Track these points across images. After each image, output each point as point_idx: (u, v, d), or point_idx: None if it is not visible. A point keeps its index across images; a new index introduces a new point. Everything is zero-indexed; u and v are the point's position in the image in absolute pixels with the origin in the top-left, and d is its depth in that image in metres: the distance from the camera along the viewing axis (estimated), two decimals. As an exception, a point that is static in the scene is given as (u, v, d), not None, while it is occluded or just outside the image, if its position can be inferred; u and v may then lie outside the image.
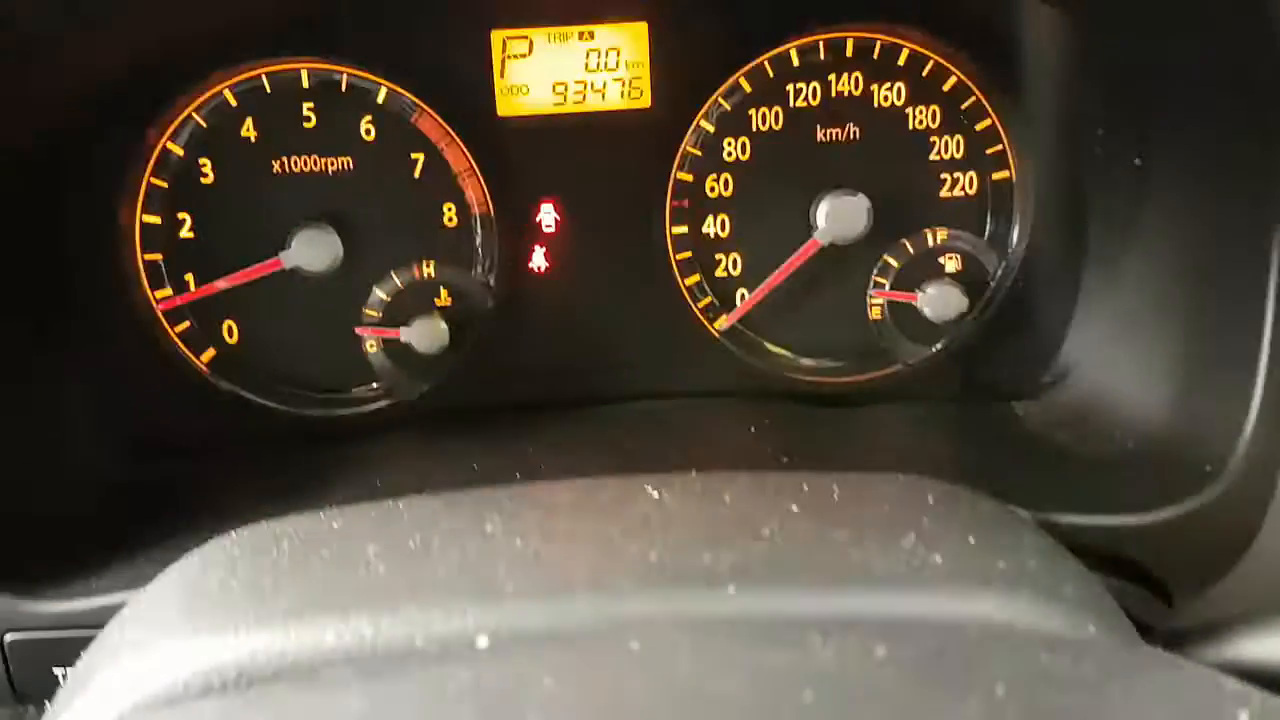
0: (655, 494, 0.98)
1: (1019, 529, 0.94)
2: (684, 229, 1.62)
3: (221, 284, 1.56)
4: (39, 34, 1.15)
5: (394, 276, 1.59)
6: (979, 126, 1.59)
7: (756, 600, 0.76)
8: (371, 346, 1.61)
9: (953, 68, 1.56)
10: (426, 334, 1.58)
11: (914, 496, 0.97)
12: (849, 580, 0.78)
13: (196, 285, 1.58)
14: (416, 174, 1.58)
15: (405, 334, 1.58)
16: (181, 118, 1.51)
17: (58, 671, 1.22)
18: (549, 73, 1.56)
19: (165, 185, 1.54)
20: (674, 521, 0.91)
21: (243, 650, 0.76)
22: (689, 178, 1.60)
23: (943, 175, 1.61)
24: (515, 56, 1.55)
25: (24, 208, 1.40)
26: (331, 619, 0.78)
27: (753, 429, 1.52)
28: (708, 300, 1.65)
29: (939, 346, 1.65)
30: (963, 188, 1.62)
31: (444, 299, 1.61)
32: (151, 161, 1.52)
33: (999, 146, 1.59)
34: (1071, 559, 0.93)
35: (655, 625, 0.74)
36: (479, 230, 1.61)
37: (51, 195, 1.45)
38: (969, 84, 1.57)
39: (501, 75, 1.55)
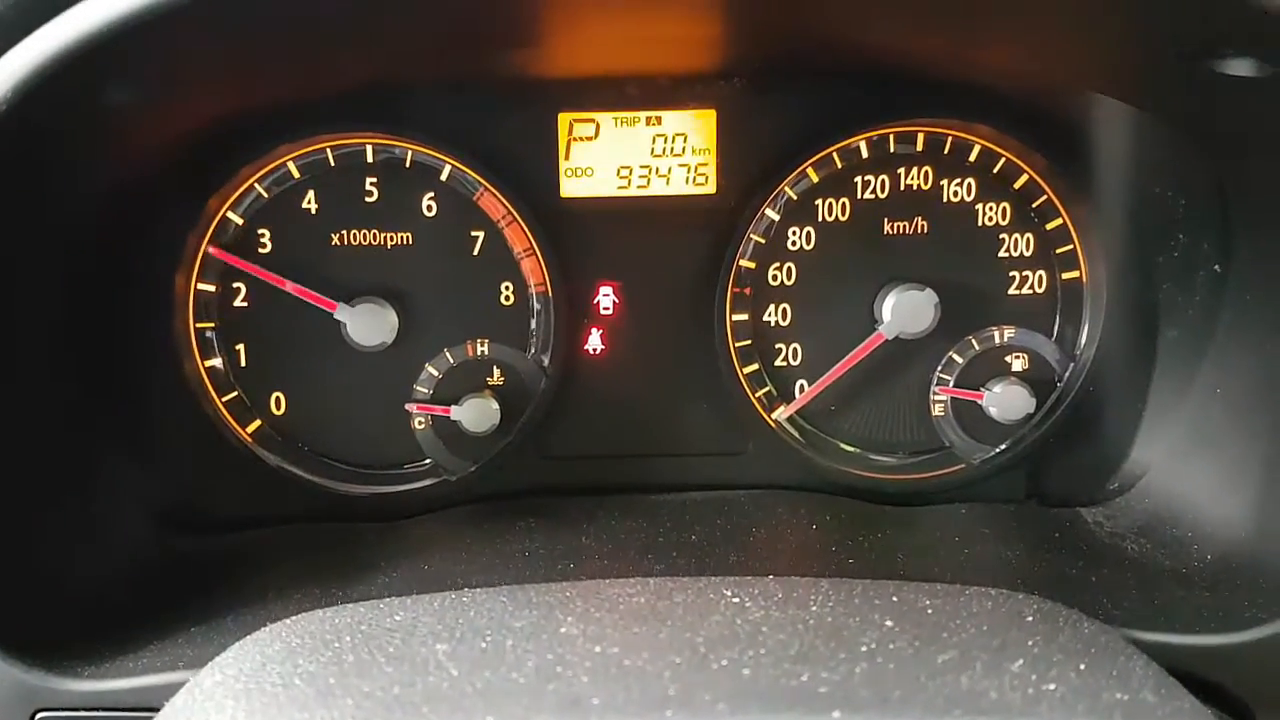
0: (736, 599, 0.94)
1: (1126, 654, 0.88)
2: (744, 316, 1.59)
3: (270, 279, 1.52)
4: (116, 105, 1.14)
5: (447, 354, 1.57)
6: (1050, 225, 1.56)
7: (864, 727, 0.71)
8: (420, 424, 1.57)
9: (1024, 165, 1.54)
10: (477, 413, 1.54)
11: (1010, 613, 0.92)
12: (963, 709, 0.73)
13: (247, 354, 1.55)
14: (475, 252, 1.56)
15: (456, 412, 1.55)
16: (244, 187, 1.50)
17: (88, 753, 1.17)
18: (614, 156, 1.54)
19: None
20: (761, 632, 0.86)
21: (312, 759, 0.72)
22: (751, 265, 1.58)
23: (1011, 273, 1.58)
24: (581, 139, 1.54)
25: (81, 271, 1.38)
26: (407, 728, 0.73)
27: (814, 527, 1.46)
28: (766, 390, 1.62)
29: (1004, 447, 1.60)
30: (1031, 286, 1.59)
31: (496, 378, 1.58)
32: (211, 229, 1.51)
33: (1069, 246, 1.56)
34: (1182, 688, 0.88)
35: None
36: (535, 310, 1.58)
37: (109, 260, 1.43)
38: (1040, 182, 1.55)
39: (566, 157, 1.54)
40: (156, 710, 0.93)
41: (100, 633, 1.23)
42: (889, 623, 0.87)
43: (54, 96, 0.99)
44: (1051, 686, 0.77)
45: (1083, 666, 0.82)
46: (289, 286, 1.51)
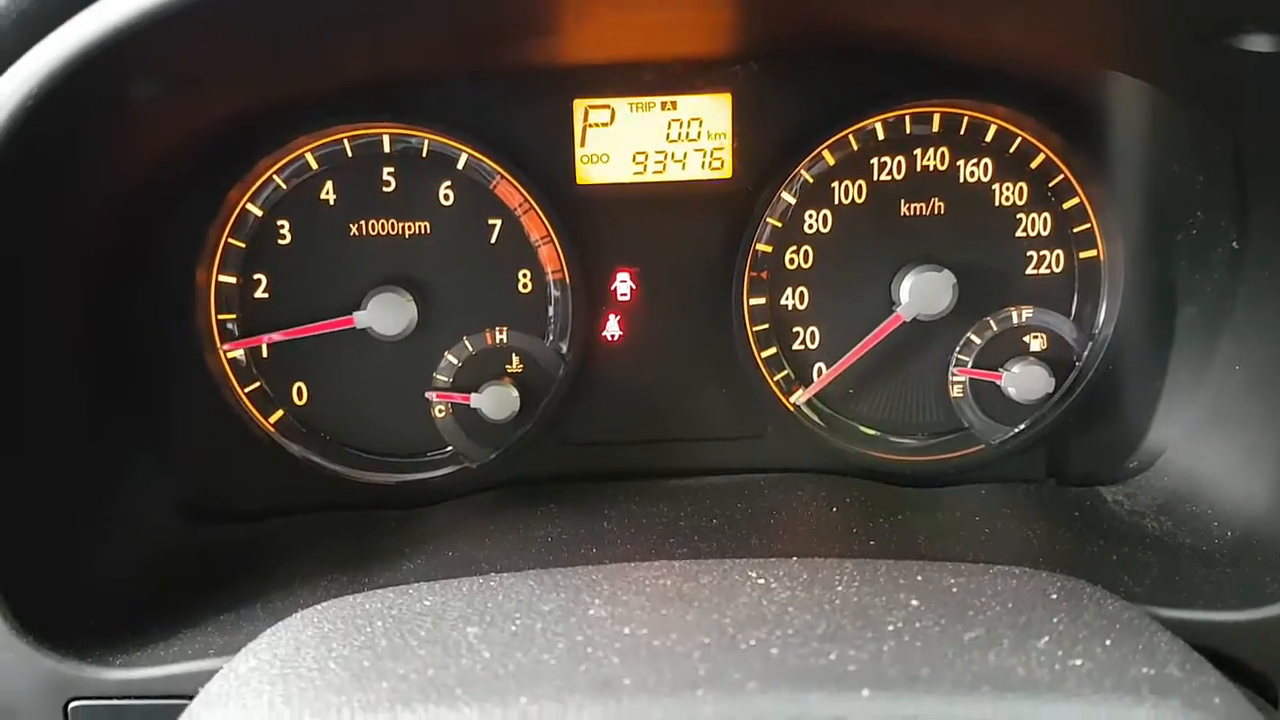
0: (761, 580, 0.94)
1: (1151, 630, 0.89)
2: (762, 300, 1.59)
3: (288, 336, 1.54)
4: (137, 101, 1.15)
5: (466, 342, 1.57)
6: (1067, 204, 1.56)
7: (893, 705, 0.72)
8: (441, 412, 1.58)
9: (1041, 144, 1.54)
10: (497, 400, 1.55)
11: (1035, 591, 0.93)
12: (991, 686, 0.73)
13: (269, 347, 1.57)
14: (493, 240, 1.57)
15: (475, 400, 1.56)
16: (263, 179, 1.51)
17: (120, 741, 1.18)
18: (630, 142, 1.55)
19: (243, 245, 1.53)
20: (788, 612, 0.87)
21: (349, 741, 0.73)
22: (768, 249, 1.58)
23: (1029, 252, 1.58)
24: (596, 125, 1.54)
25: (103, 266, 1.40)
26: (441, 709, 0.74)
27: (834, 509, 1.47)
28: (784, 374, 1.62)
29: (1023, 427, 1.61)
30: (1049, 265, 1.58)
31: (515, 365, 1.59)
32: (231, 221, 1.52)
33: (1087, 225, 1.56)
34: (1208, 663, 0.88)
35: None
36: (553, 297, 1.59)
37: (131, 253, 1.44)
38: (1057, 161, 1.54)
39: (582, 144, 1.54)
40: (189, 697, 0.95)
41: (131, 622, 1.24)
42: (915, 601, 0.88)
43: (76, 93, 1.00)
44: (1078, 662, 0.78)
45: (1108, 642, 0.82)
46: (299, 333, 1.53)
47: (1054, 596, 0.92)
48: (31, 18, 0.94)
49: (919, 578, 0.94)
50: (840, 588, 0.92)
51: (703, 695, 0.74)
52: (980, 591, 0.91)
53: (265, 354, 1.57)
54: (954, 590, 0.91)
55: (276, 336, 1.55)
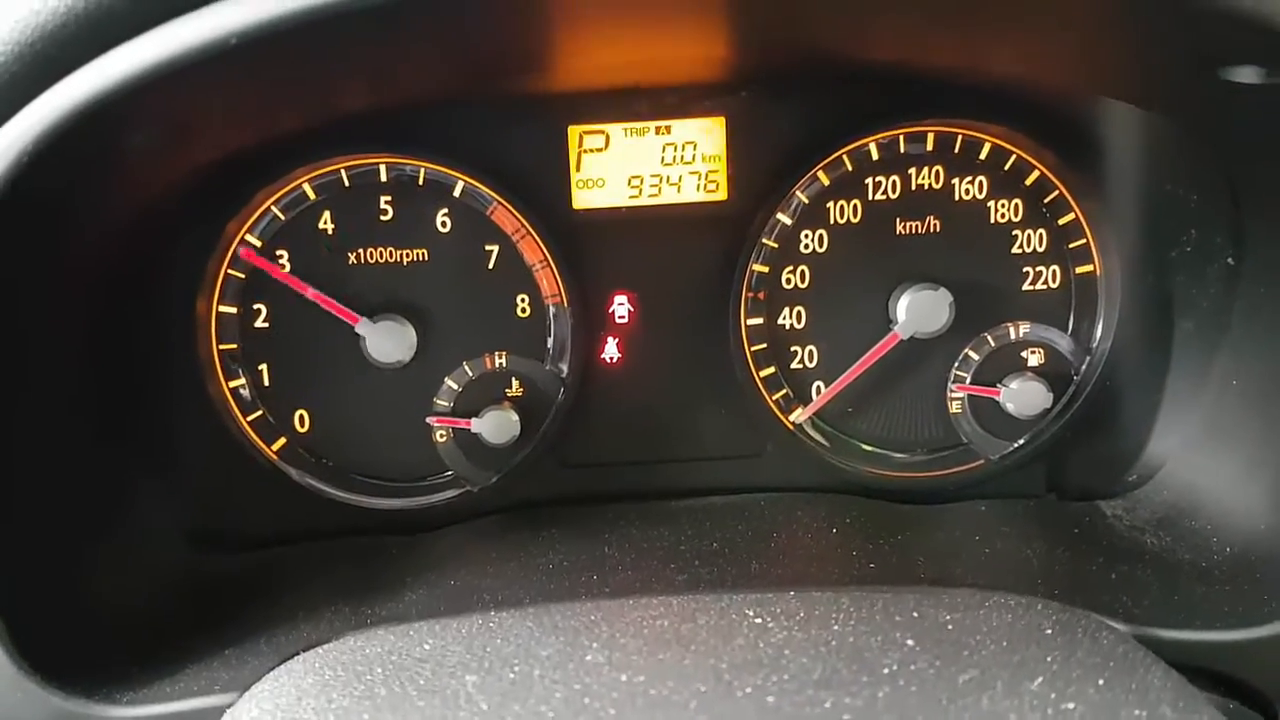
0: (758, 619, 0.95)
1: (1145, 665, 0.90)
2: (759, 320, 1.60)
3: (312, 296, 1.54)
4: (132, 148, 1.15)
5: (466, 367, 1.58)
6: (1062, 220, 1.56)
7: (887, 755, 0.73)
8: (442, 437, 1.59)
9: (1035, 161, 1.54)
10: (497, 425, 1.56)
11: (1030, 626, 0.93)
12: (985, 734, 0.74)
13: (270, 374, 1.57)
14: (491, 265, 1.57)
15: (476, 424, 1.56)
16: (261, 210, 1.52)
17: (126, 780, 1.19)
18: (625, 166, 1.55)
19: (242, 276, 1.54)
20: (784, 655, 0.87)
21: (350, 798, 0.74)
22: (765, 269, 1.59)
23: (1025, 268, 1.59)
24: (591, 150, 1.55)
25: (104, 300, 1.40)
26: (441, 766, 0.75)
27: (834, 530, 1.48)
28: (783, 393, 1.63)
29: (1022, 442, 1.61)
30: (1046, 282, 1.59)
31: (515, 390, 1.60)
32: (230, 253, 1.53)
33: (1083, 240, 1.57)
34: (1201, 698, 0.89)
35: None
36: (552, 321, 1.59)
37: (131, 287, 1.45)
38: (1052, 178, 1.55)
39: (577, 169, 1.55)
40: (195, 734, 0.96)
41: (136, 657, 1.24)
42: (910, 641, 0.88)
43: (71, 146, 1.00)
44: (1070, 705, 0.78)
45: (1101, 682, 0.83)
46: (310, 294, 1.52)
47: (1049, 631, 0.92)
48: (24, 76, 0.94)
49: (914, 614, 0.95)
50: (837, 626, 0.93)
51: (699, 747, 0.74)
52: (975, 628, 0.92)
53: (267, 382, 1.58)
54: (949, 627, 0.92)
55: (291, 283, 1.53)
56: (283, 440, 1.60)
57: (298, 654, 1.06)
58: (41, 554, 1.26)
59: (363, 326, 1.53)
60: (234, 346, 1.56)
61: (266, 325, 1.56)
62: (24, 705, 1.15)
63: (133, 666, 1.23)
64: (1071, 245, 1.57)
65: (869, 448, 1.64)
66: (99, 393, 1.44)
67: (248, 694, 0.95)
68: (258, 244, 1.53)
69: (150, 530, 1.50)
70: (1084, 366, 1.60)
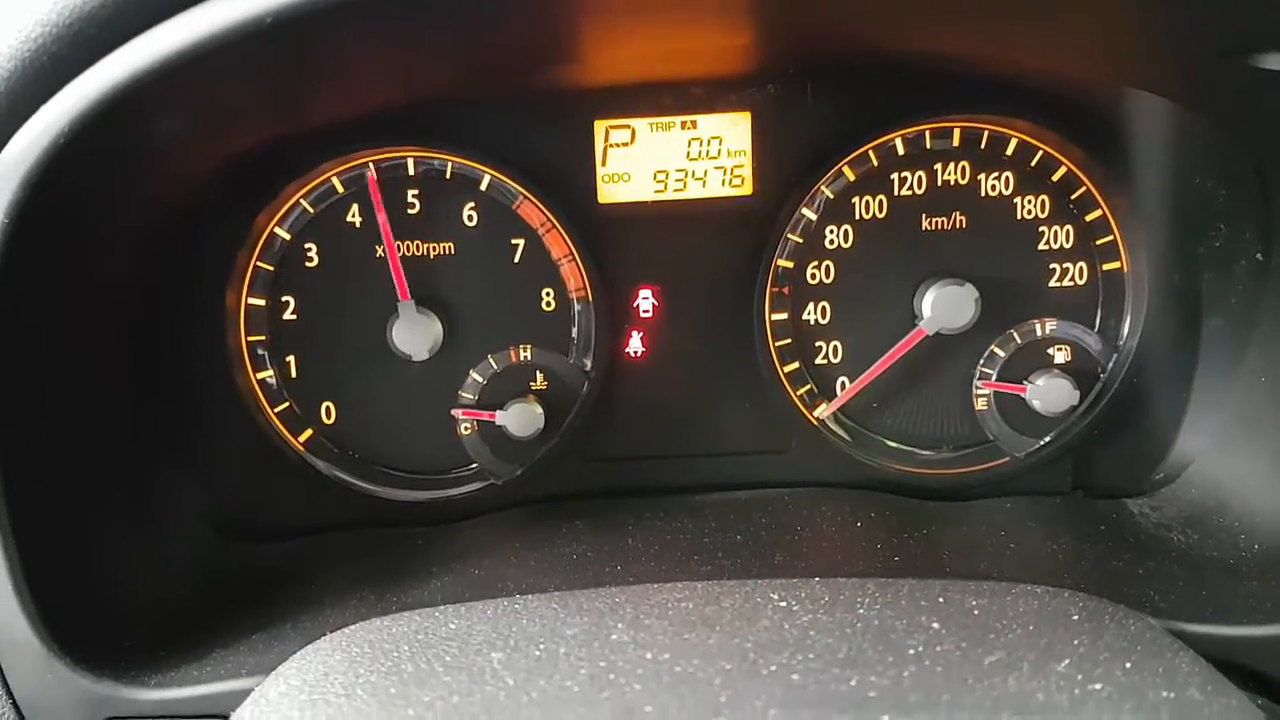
0: (783, 603, 0.95)
1: (1173, 650, 0.89)
2: (783, 315, 1.60)
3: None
4: (164, 137, 1.17)
5: (491, 360, 1.59)
6: (1089, 217, 1.56)
7: (913, 731, 0.73)
8: (466, 429, 1.60)
9: (1063, 157, 1.54)
10: (522, 418, 1.57)
11: (1056, 612, 0.93)
12: (1011, 711, 0.74)
13: (298, 366, 1.59)
14: (516, 259, 1.58)
15: (501, 417, 1.57)
16: (290, 204, 1.53)
17: (156, 760, 1.20)
18: (651, 161, 1.56)
19: (271, 268, 1.55)
20: (810, 635, 0.87)
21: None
22: (789, 264, 1.59)
23: (1052, 265, 1.58)
24: (617, 145, 1.56)
25: (136, 292, 1.42)
26: (467, 737, 0.75)
27: (859, 524, 1.47)
28: (807, 388, 1.63)
29: (1048, 439, 1.60)
30: (1072, 278, 1.58)
31: (540, 383, 1.61)
32: (259, 245, 1.54)
33: (1110, 237, 1.56)
34: (1230, 684, 0.88)
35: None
36: (576, 315, 1.60)
37: (162, 279, 1.47)
38: (1079, 174, 1.54)
39: (603, 163, 1.56)
40: (222, 717, 0.96)
41: (166, 642, 1.26)
42: (936, 625, 0.88)
43: (107, 130, 1.02)
44: (1098, 686, 0.78)
45: (1128, 665, 0.82)
46: (390, 249, 1.53)
47: (1075, 617, 0.92)
48: (62, 59, 0.96)
49: (940, 599, 0.95)
50: (862, 610, 0.92)
51: (724, 722, 0.75)
52: (1002, 613, 0.92)
53: (294, 374, 1.60)
54: (975, 612, 0.92)
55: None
56: (309, 432, 1.61)
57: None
58: (73, 541, 1.28)
59: (405, 310, 1.53)
60: (262, 338, 1.58)
61: (294, 318, 1.58)
62: (55, 686, 1.17)
63: (161, 651, 1.24)
64: (1099, 241, 1.57)
65: (893, 444, 1.64)
66: (130, 383, 1.45)
67: (275, 672, 0.95)
68: (287, 237, 1.55)
69: (179, 519, 1.52)
70: (1111, 364, 1.59)
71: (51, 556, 1.21)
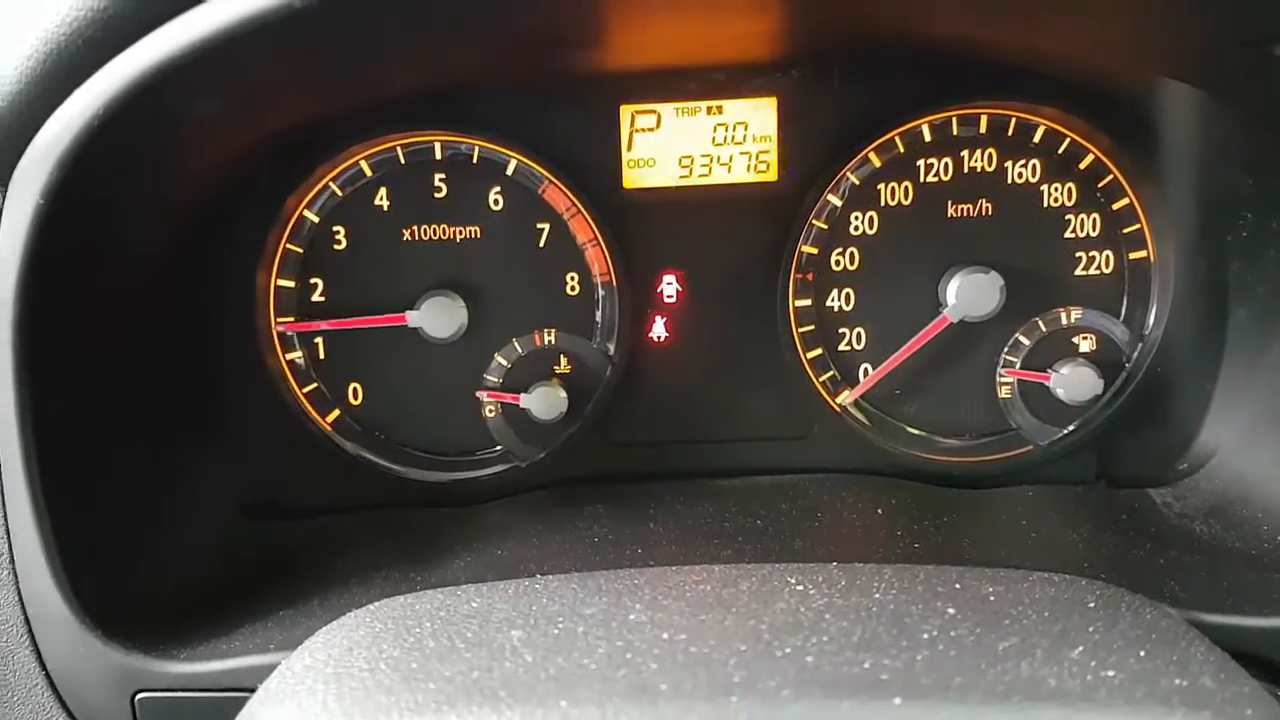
0: (800, 586, 0.96)
1: (1188, 639, 0.89)
2: (807, 302, 1.60)
3: (343, 325, 1.58)
4: (199, 116, 1.19)
5: (515, 344, 1.60)
6: (1116, 205, 1.55)
7: (924, 713, 0.73)
8: (491, 412, 1.62)
9: (1090, 145, 1.53)
10: (545, 401, 1.58)
11: (1073, 599, 0.93)
12: (1023, 696, 0.74)
13: (326, 348, 1.61)
14: (541, 244, 1.60)
15: (525, 400, 1.59)
16: (319, 187, 1.55)
17: (185, 732, 1.23)
18: (676, 146, 1.56)
19: (300, 250, 1.57)
20: (825, 619, 0.88)
21: (397, 740, 0.76)
22: (814, 251, 1.59)
23: (1077, 253, 1.57)
24: (643, 130, 1.56)
25: (166, 273, 1.44)
26: (485, 712, 0.77)
27: (879, 511, 1.48)
28: (830, 374, 1.63)
29: (1072, 428, 1.60)
30: (1098, 266, 1.58)
31: (564, 367, 1.62)
32: (289, 227, 1.56)
33: (1137, 225, 1.55)
34: (1244, 673, 0.88)
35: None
36: (601, 300, 1.61)
37: (193, 259, 1.49)
38: (1106, 162, 1.53)
39: (629, 148, 1.57)
40: (249, 690, 0.98)
41: (195, 617, 1.29)
42: (951, 610, 0.89)
43: (137, 117, 1.04)
44: (1110, 673, 0.78)
45: (1142, 653, 0.83)
46: (353, 324, 1.58)
47: (1091, 605, 0.92)
48: (97, 42, 0.98)
49: (957, 585, 0.95)
50: (878, 594, 0.93)
51: (737, 702, 0.76)
52: (1018, 600, 0.92)
53: (322, 355, 1.62)
54: (991, 598, 0.92)
55: (328, 325, 1.59)
56: (336, 413, 1.64)
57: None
58: (104, 518, 1.31)
59: (412, 319, 1.56)
60: (291, 320, 1.60)
61: (323, 299, 1.60)
62: (86, 660, 1.20)
63: (189, 626, 1.27)
64: (1125, 230, 1.56)
65: (916, 431, 1.64)
66: (160, 364, 1.48)
67: (301, 646, 0.97)
68: (315, 219, 1.56)
69: (208, 498, 1.54)
70: (1136, 353, 1.58)
71: (83, 533, 1.24)
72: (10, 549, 1.20)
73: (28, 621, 1.21)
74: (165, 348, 1.48)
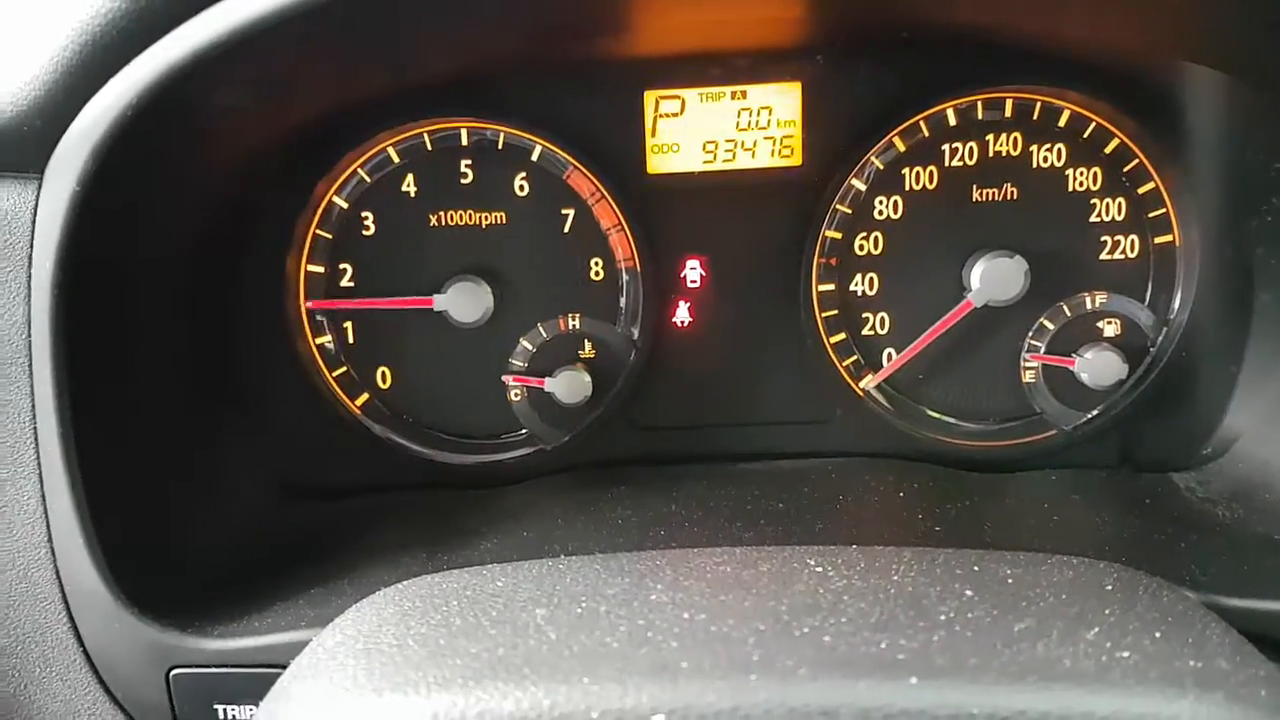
0: (819, 568, 0.97)
1: (1204, 621, 0.90)
2: (831, 286, 1.61)
3: (369, 304, 1.61)
4: (230, 105, 1.21)
5: (540, 328, 1.62)
6: (1141, 189, 1.54)
7: (939, 693, 0.75)
8: (516, 396, 1.64)
9: (1115, 129, 1.52)
10: (570, 385, 1.60)
11: (1090, 582, 0.94)
12: (1037, 676, 0.76)
13: (355, 332, 1.63)
14: (566, 229, 1.61)
15: (549, 384, 1.60)
16: (347, 173, 1.57)
17: (218, 708, 1.26)
18: (700, 131, 1.57)
19: (329, 236, 1.60)
20: (843, 600, 0.90)
21: (424, 713, 0.78)
22: (838, 235, 1.60)
23: (1103, 238, 1.57)
24: (667, 115, 1.57)
25: (198, 258, 1.47)
26: (510, 687, 0.79)
27: (901, 495, 1.49)
28: (853, 359, 1.64)
29: (1096, 413, 1.60)
30: (1123, 251, 1.57)
31: (588, 351, 1.64)
32: (318, 213, 1.58)
33: (1162, 210, 1.55)
34: (1260, 656, 0.89)
35: (834, 713, 0.73)
36: (625, 285, 1.62)
37: (225, 244, 1.52)
38: (1132, 146, 1.53)
39: (653, 134, 1.58)
40: (281, 666, 1.01)
41: (227, 595, 1.31)
42: (969, 592, 0.90)
43: (170, 106, 1.06)
44: (1125, 654, 0.79)
45: (1158, 634, 0.83)
46: (381, 304, 1.60)
47: (1109, 587, 0.93)
48: (132, 33, 1.00)
49: (975, 568, 0.96)
50: (896, 577, 0.94)
51: (755, 680, 0.77)
52: (1035, 582, 0.93)
53: (351, 339, 1.64)
54: (1009, 581, 0.93)
55: (356, 305, 1.61)
56: (365, 396, 1.66)
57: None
58: (139, 497, 1.34)
59: (439, 302, 1.58)
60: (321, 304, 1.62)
61: (352, 284, 1.62)
62: (122, 636, 1.23)
63: (223, 603, 1.30)
64: (1151, 215, 1.55)
65: (939, 416, 1.65)
66: (194, 347, 1.51)
67: (332, 624, 1.00)
68: (344, 205, 1.58)
69: (240, 478, 1.57)
70: (1161, 338, 1.58)
71: (119, 512, 1.27)
72: (49, 528, 1.23)
73: (65, 599, 1.24)
74: (198, 331, 1.51)
